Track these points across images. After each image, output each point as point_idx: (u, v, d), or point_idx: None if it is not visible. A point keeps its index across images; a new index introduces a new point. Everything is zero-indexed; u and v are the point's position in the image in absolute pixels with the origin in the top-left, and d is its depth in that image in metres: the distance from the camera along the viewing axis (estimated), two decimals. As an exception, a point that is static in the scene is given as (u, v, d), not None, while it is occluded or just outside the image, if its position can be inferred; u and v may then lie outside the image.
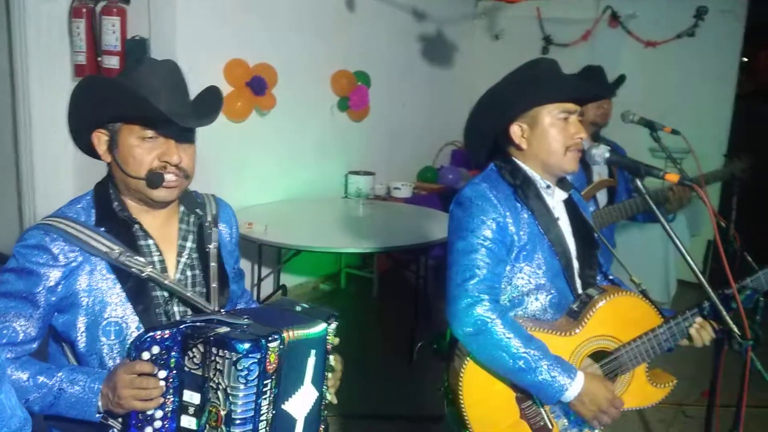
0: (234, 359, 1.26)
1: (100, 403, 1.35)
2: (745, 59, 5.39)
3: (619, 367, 1.72)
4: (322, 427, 1.51)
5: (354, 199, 5.18)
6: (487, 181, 1.76)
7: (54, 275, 1.40)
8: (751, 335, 1.42)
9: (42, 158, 4.47)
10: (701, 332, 1.67)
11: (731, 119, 5.30)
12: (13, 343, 1.40)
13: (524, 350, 1.60)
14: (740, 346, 1.41)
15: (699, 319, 1.67)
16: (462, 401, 1.70)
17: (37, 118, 4.40)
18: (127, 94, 1.39)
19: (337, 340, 1.49)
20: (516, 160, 1.79)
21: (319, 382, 1.43)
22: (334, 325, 1.46)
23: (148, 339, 1.30)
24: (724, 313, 1.45)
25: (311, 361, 1.40)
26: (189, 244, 1.56)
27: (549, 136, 1.71)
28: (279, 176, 4.88)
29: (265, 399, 1.31)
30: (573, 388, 1.61)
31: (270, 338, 1.29)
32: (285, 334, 1.33)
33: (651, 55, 5.51)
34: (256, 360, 1.26)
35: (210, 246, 1.57)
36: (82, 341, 1.43)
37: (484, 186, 1.73)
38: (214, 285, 1.54)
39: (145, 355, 1.29)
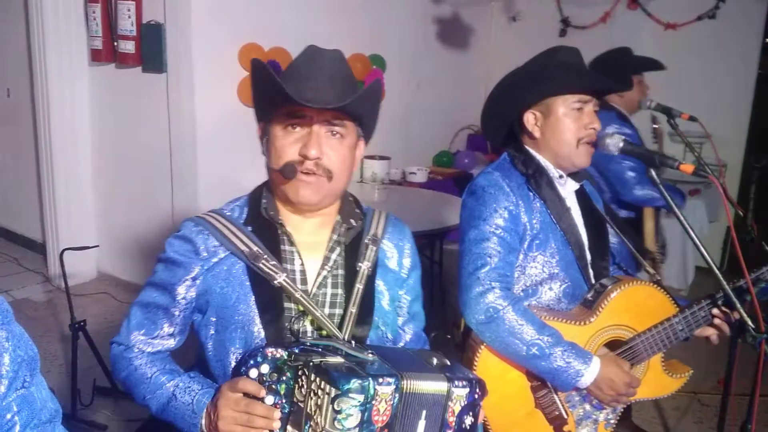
0: (333, 395, 1.05)
1: (203, 422, 1.23)
2: (768, 41, 5.28)
3: (635, 356, 1.71)
4: None
5: (369, 184, 5.16)
6: (499, 170, 1.76)
7: (195, 267, 1.35)
8: (766, 328, 1.41)
9: (61, 142, 4.51)
10: (723, 324, 1.66)
11: (752, 103, 5.21)
12: (150, 335, 1.37)
13: (538, 337, 1.60)
14: (754, 339, 1.40)
15: (717, 311, 1.66)
16: (476, 391, 1.71)
17: (55, 102, 4.43)
18: (265, 77, 1.29)
19: (468, 421, 1.18)
20: (529, 149, 1.78)
21: None
22: (464, 392, 1.16)
23: (259, 355, 1.14)
24: (738, 305, 1.44)
25: (421, 425, 1.12)
26: (334, 257, 1.38)
27: (562, 125, 1.70)
28: (294, 161, 4.88)
29: None
30: (589, 373, 1.61)
31: (381, 380, 1.06)
32: (403, 382, 1.09)
33: (671, 38, 5.41)
34: (357, 403, 1.04)
35: (361, 264, 1.37)
36: (210, 346, 1.34)
37: (497, 175, 1.73)
38: (352, 310, 1.32)
39: (253, 373, 1.15)
